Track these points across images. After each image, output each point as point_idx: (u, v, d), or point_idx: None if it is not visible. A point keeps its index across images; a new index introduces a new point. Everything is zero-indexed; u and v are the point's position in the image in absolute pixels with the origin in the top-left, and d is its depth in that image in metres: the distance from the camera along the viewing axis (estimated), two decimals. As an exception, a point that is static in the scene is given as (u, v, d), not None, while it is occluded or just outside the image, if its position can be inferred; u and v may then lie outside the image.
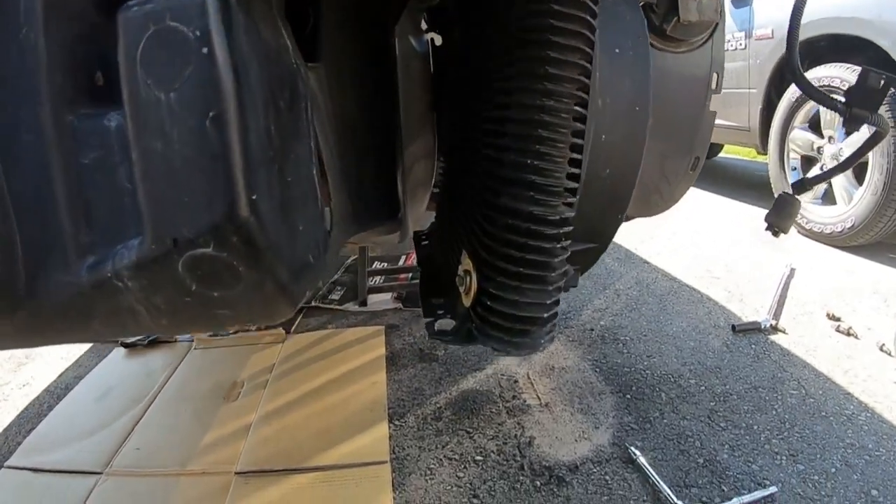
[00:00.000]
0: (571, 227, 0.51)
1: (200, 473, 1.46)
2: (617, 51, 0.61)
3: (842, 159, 2.97)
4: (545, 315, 0.52)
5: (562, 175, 0.49)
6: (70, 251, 0.39)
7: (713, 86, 1.00)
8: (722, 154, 6.26)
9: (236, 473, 1.45)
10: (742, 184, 4.89)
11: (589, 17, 0.49)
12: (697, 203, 4.22)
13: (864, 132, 2.82)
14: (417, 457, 1.55)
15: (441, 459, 1.54)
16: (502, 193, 0.49)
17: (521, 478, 1.47)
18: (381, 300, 2.48)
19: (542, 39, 0.47)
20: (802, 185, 1.15)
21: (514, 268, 0.51)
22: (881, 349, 2.04)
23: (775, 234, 1.17)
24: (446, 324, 0.67)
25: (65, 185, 0.38)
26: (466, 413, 1.73)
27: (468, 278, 0.55)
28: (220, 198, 0.36)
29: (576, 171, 0.50)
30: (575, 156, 0.49)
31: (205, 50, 0.34)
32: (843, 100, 1.00)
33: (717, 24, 0.95)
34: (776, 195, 3.31)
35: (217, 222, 0.36)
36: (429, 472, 1.49)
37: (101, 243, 0.38)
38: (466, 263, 0.56)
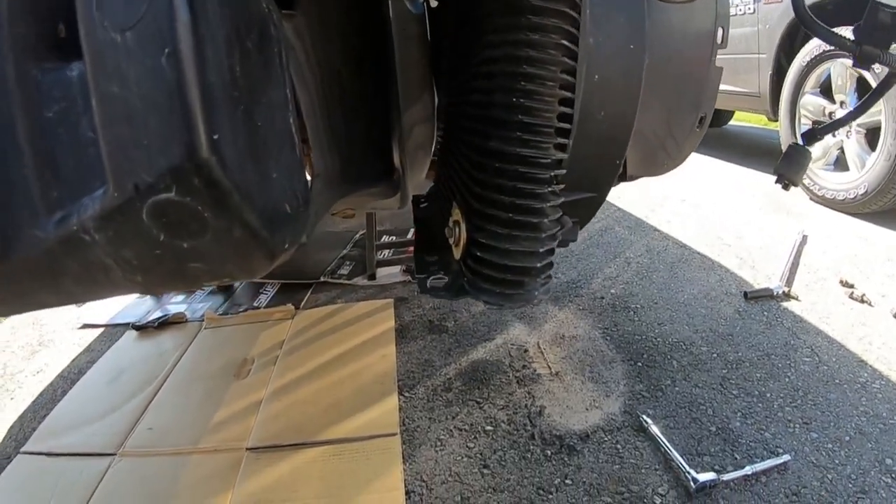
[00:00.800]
0: (564, 171, 0.49)
1: (212, 451, 1.48)
2: None
3: (854, 123, 2.94)
4: (538, 265, 0.50)
5: (551, 115, 0.47)
6: (38, 207, 0.38)
7: (719, 40, 0.98)
8: (732, 122, 6.20)
9: (247, 449, 1.45)
10: (753, 151, 4.84)
11: None
12: (707, 170, 4.19)
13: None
14: (427, 428, 1.56)
15: (451, 430, 1.54)
16: (492, 136, 0.47)
17: (532, 447, 1.47)
18: (389, 273, 2.49)
19: None
20: (813, 135, 1.13)
21: (504, 214, 0.49)
22: (895, 316, 2.02)
23: (785, 186, 1.15)
24: (441, 280, 0.66)
25: (30, 140, 0.37)
26: (476, 383, 1.73)
27: (457, 229, 0.53)
28: (179, 137, 0.34)
29: (567, 110, 0.48)
30: (565, 94, 0.47)
31: None
32: (852, 38, 0.97)
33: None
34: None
35: (177, 163, 0.35)
36: (439, 443, 1.50)
37: (68, 197, 0.38)
38: (456, 214, 0.54)
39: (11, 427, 1.74)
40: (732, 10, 4.02)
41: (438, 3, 0.89)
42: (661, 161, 0.98)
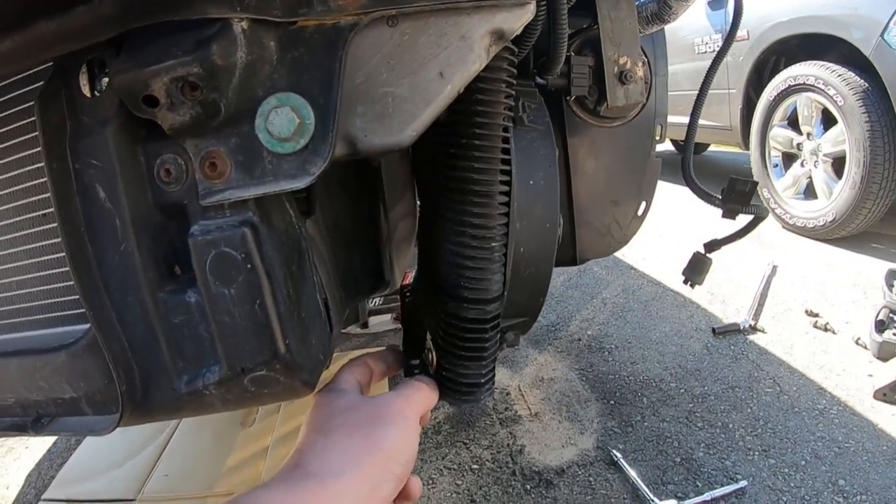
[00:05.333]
0: (499, 320, 0.72)
1: (226, 494, 1.58)
2: (531, 182, 0.79)
3: (821, 153, 3.09)
4: (483, 381, 0.73)
5: (489, 288, 0.69)
6: (171, 373, 0.60)
7: (657, 136, 1.15)
8: (711, 148, 6.34)
9: (259, 493, 1.57)
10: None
11: (504, 174, 0.69)
12: (685, 202, 4.27)
13: (841, 129, 2.94)
14: (420, 468, 1.68)
15: (441, 469, 1.67)
16: (449, 302, 0.70)
17: (513, 483, 1.61)
18: (380, 322, 2.58)
19: (464, 198, 0.68)
20: (712, 245, 1.34)
21: (459, 351, 0.71)
22: (857, 343, 2.15)
23: (692, 286, 1.35)
24: None
25: (164, 335, 0.59)
26: (463, 426, 1.85)
27: (430, 355, 0.77)
28: (268, 345, 0.57)
29: (500, 279, 0.71)
30: (498, 273, 0.70)
31: (248, 266, 0.55)
32: (720, 197, 1.18)
33: (651, 88, 1.10)
34: (759, 191, 3.34)
35: (267, 359, 0.57)
36: (430, 481, 1.63)
37: (191, 368, 0.60)
38: (429, 343, 0.78)
39: (29, 475, 1.84)
40: (702, 48, 4.18)
41: None
42: (608, 243, 1.16)
